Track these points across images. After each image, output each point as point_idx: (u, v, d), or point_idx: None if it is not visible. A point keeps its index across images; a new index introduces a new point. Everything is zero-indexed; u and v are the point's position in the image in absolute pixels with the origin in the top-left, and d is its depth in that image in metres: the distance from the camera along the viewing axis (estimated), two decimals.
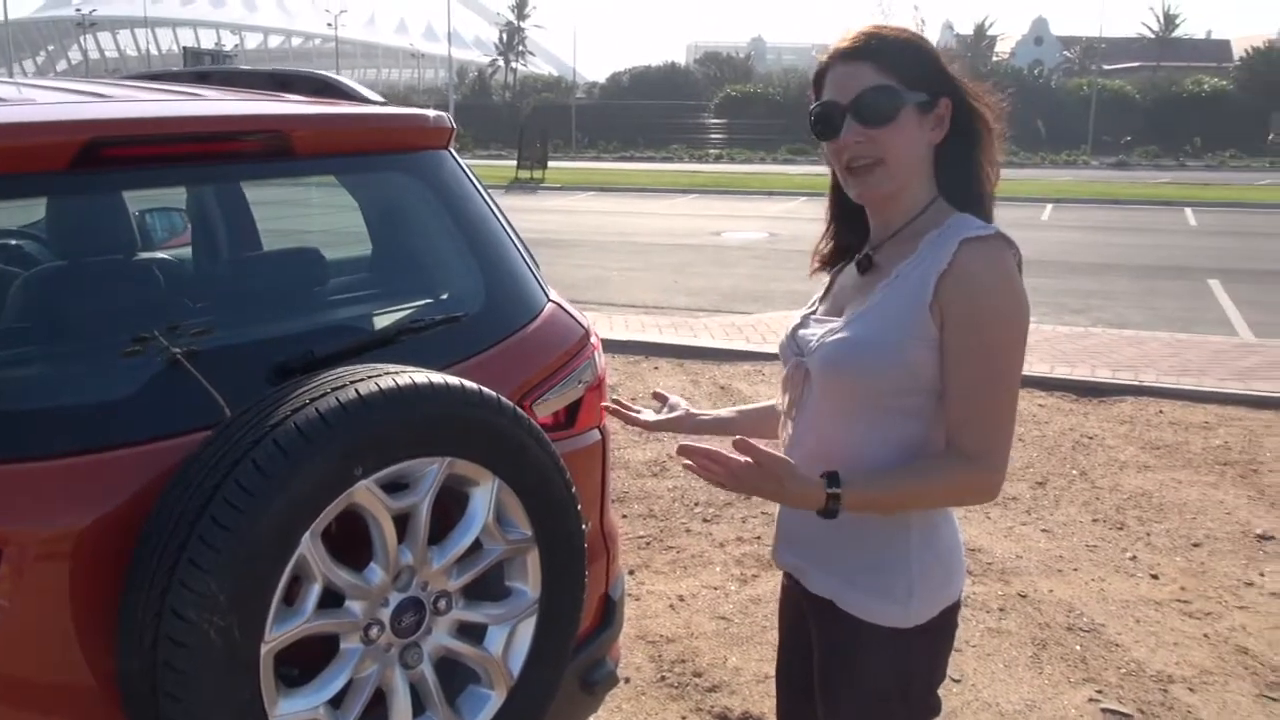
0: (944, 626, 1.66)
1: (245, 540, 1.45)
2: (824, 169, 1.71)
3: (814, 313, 1.73)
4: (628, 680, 3.22)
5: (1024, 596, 3.80)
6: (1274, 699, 3.14)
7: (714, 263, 13.15)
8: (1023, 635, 3.52)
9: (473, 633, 1.81)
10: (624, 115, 58.72)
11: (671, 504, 4.68)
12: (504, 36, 79.22)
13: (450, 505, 1.74)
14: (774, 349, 1.78)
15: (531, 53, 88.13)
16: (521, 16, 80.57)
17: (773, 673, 1.99)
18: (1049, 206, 21.71)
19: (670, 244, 15.02)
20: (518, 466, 1.77)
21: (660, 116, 56.95)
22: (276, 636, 1.52)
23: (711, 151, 49.38)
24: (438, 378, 1.67)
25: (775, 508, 1.80)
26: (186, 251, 3.02)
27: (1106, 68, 64.88)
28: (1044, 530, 4.44)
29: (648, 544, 4.28)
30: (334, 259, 2.52)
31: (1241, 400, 6.30)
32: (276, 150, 1.92)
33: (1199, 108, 52.40)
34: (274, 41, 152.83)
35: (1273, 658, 3.37)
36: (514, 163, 31.56)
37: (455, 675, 1.82)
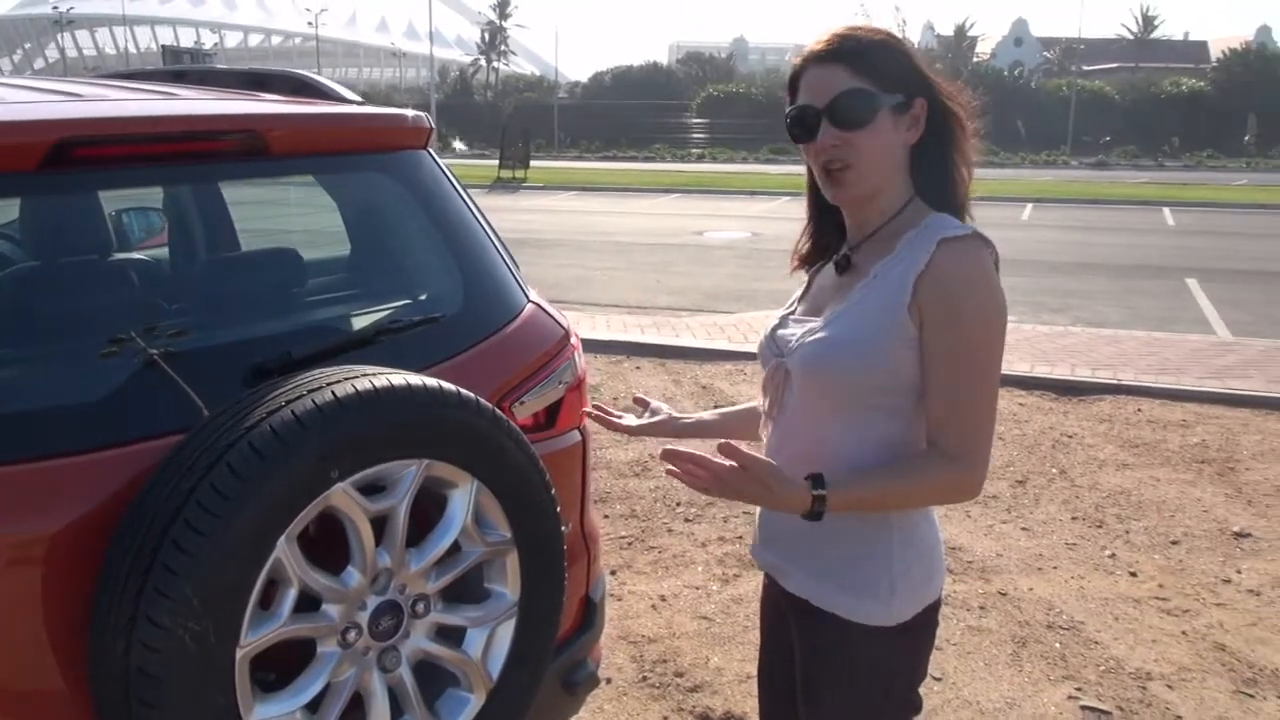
0: (925, 625, 1.66)
1: (220, 544, 1.43)
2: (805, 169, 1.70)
3: (793, 313, 1.72)
4: (609, 681, 3.22)
5: (1004, 594, 3.81)
6: (1251, 695, 3.16)
7: (696, 262, 13.16)
8: (1003, 633, 3.53)
9: (452, 635, 1.80)
10: (606, 115, 58.70)
11: (653, 504, 4.67)
12: (486, 36, 79.09)
13: (428, 507, 1.73)
14: (756, 348, 1.78)
15: (513, 52, 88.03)
16: (503, 16, 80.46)
17: (754, 672, 1.99)
18: (1029, 206, 21.82)
19: (652, 243, 15.01)
20: (497, 468, 1.76)
21: (642, 116, 56.94)
22: (252, 641, 1.51)
23: (694, 151, 49.42)
24: (415, 379, 1.66)
25: (757, 507, 1.79)
26: (163, 252, 3.00)
27: (1086, 68, 65.29)
28: (1024, 528, 4.46)
29: (629, 544, 4.27)
30: (312, 259, 2.50)
31: (1219, 399, 6.34)
32: (252, 150, 1.90)
33: (1177, 108, 52.86)
34: (254, 40, 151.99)
35: (1249, 654, 3.40)
36: (496, 162, 31.49)
37: (434, 678, 1.80)
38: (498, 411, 1.78)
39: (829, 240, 1.72)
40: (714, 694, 3.17)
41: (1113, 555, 4.19)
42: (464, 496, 1.73)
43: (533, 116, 51.77)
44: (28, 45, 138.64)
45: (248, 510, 1.45)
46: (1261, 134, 47.88)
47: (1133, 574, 4.02)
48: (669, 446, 1.49)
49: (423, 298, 2.21)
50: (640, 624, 3.60)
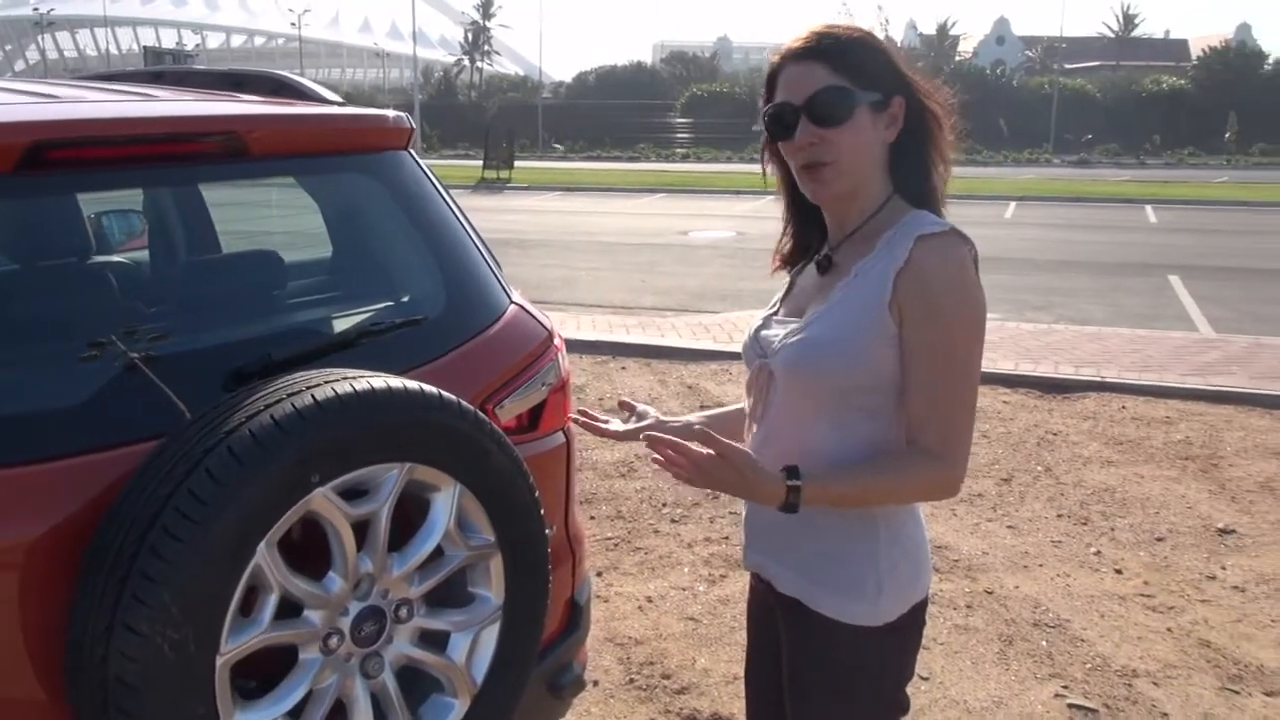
0: (912, 624, 1.66)
1: (198, 550, 1.41)
2: None
3: (776, 313, 1.72)
4: (596, 683, 3.20)
5: (990, 593, 3.82)
6: (1236, 692, 3.17)
7: (681, 262, 13.15)
8: (989, 632, 3.53)
9: (435, 640, 1.78)
10: (590, 115, 58.69)
11: (639, 505, 4.66)
12: (469, 36, 78.93)
13: (411, 511, 1.71)
14: (741, 349, 1.77)
15: (497, 52, 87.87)
16: (487, 16, 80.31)
17: (742, 673, 1.98)
18: (1012, 204, 21.92)
19: (637, 243, 15.01)
20: (480, 471, 1.75)
21: (627, 116, 56.95)
22: (232, 648, 1.49)
23: (678, 151, 49.47)
24: (396, 382, 1.65)
25: (743, 507, 1.79)
26: (143, 254, 2.97)
27: (1068, 67, 65.64)
28: (1009, 527, 4.47)
29: (616, 545, 4.26)
30: (293, 261, 2.48)
31: (1202, 395, 6.38)
32: (231, 151, 1.88)
33: (1158, 106, 53.24)
34: (236, 41, 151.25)
35: (1234, 651, 3.41)
36: (480, 163, 31.42)
37: (418, 684, 1.79)
38: (480, 414, 1.76)
39: (810, 240, 1.72)
40: (701, 695, 3.16)
41: (1098, 553, 4.20)
42: (447, 500, 1.72)
43: (517, 117, 51.73)
44: (8, 47, 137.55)
45: (227, 516, 1.43)
46: (1241, 131, 48.24)
47: (1118, 571, 4.03)
48: (652, 432, 1.49)
49: (404, 300, 2.20)
50: (627, 625, 3.58)
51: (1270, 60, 57.40)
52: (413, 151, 2.24)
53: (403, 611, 1.70)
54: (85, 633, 1.44)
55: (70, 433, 1.58)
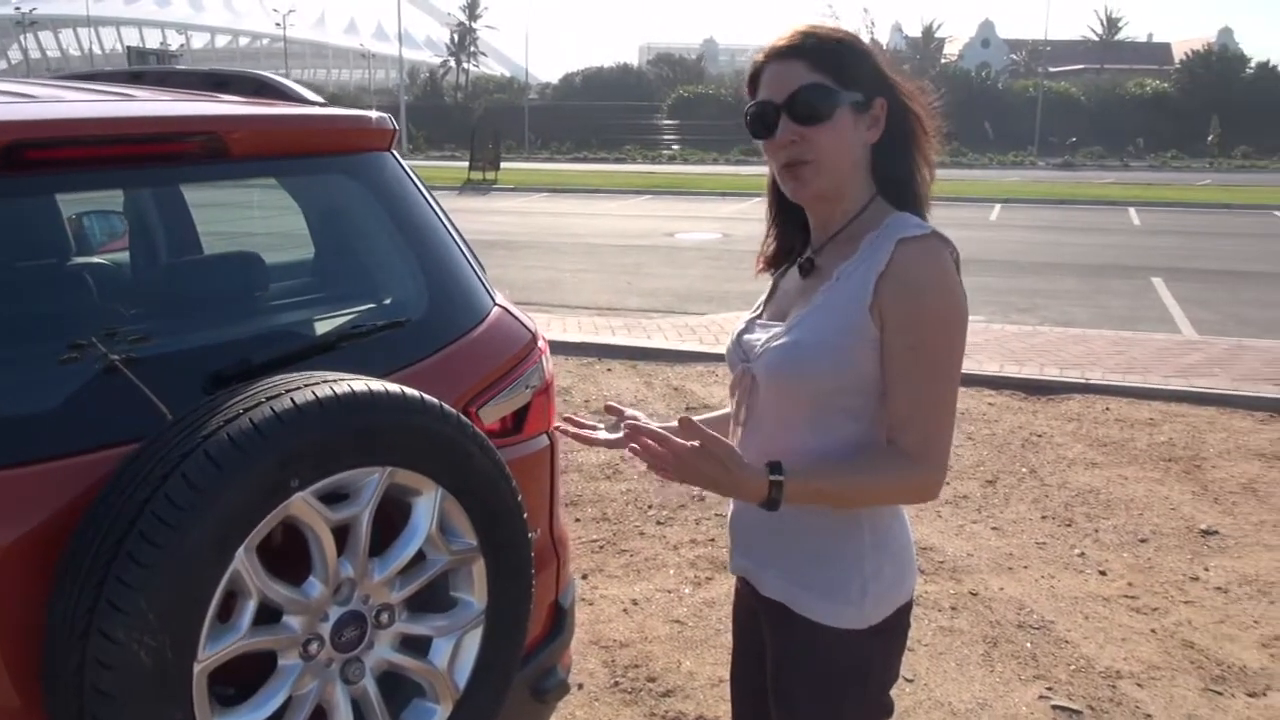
0: (897, 626, 1.66)
1: (176, 556, 1.40)
2: None
3: (759, 317, 1.71)
4: (581, 687, 3.19)
5: (975, 594, 3.82)
6: (1219, 693, 3.18)
7: (667, 264, 13.15)
8: (974, 633, 3.54)
9: (417, 645, 1.77)
10: (577, 116, 58.65)
11: (625, 507, 4.65)
12: (455, 37, 78.76)
13: (393, 515, 1.70)
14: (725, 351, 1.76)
15: (483, 53, 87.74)
16: (473, 17, 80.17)
17: (727, 676, 1.97)
18: (997, 206, 22.00)
19: (623, 245, 15.00)
20: (462, 475, 1.73)
21: (613, 117, 56.94)
22: (210, 655, 1.47)
23: (664, 152, 49.47)
24: (377, 385, 1.63)
25: (728, 509, 1.78)
26: (124, 255, 2.94)
27: (1052, 69, 65.98)
28: (994, 528, 4.48)
29: (601, 548, 4.25)
30: (275, 263, 2.46)
31: (1185, 397, 6.41)
32: (211, 152, 1.86)
33: (1141, 109, 53.57)
34: (221, 41, 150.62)
35: (1218, 652, 3.42)
36: (466, 164, 31.37)
37: (399, 689, 1.77)
38: (463, 417, 1.75)
39: (793, 242, 1.71)
40: (686, 698, 3.15)
41: (1082, 554, 4.21)
42: (429, 504, 1.70)
43: (503, 118, 51.66)
44: None
45: (205, 521, 1.42)
46: (1224, 134, 48.57)
47: (1102, 573, 4.04)
48: (633, 421, 1.48)
49: (387, 302, 2.18)
50: (612, 628, 3.57)
51: (1252, 64, 57.84)
52: (395, 153, 2.22)
53: (384, 616, 1.69)
54: (61, 639, 1.42)
55: (49, 436, 1.56)
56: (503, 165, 31.57)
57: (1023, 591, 3.86)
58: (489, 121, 41.89)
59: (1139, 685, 3.22)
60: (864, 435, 1.55)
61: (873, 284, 1.50)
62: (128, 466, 1.50)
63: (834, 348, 1.52)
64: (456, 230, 2.27)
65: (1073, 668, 3.33)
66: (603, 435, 1.85)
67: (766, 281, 1.79)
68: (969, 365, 6.86)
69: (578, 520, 4.49)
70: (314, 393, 1.55)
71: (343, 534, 1.61)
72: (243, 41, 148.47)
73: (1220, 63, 57.56)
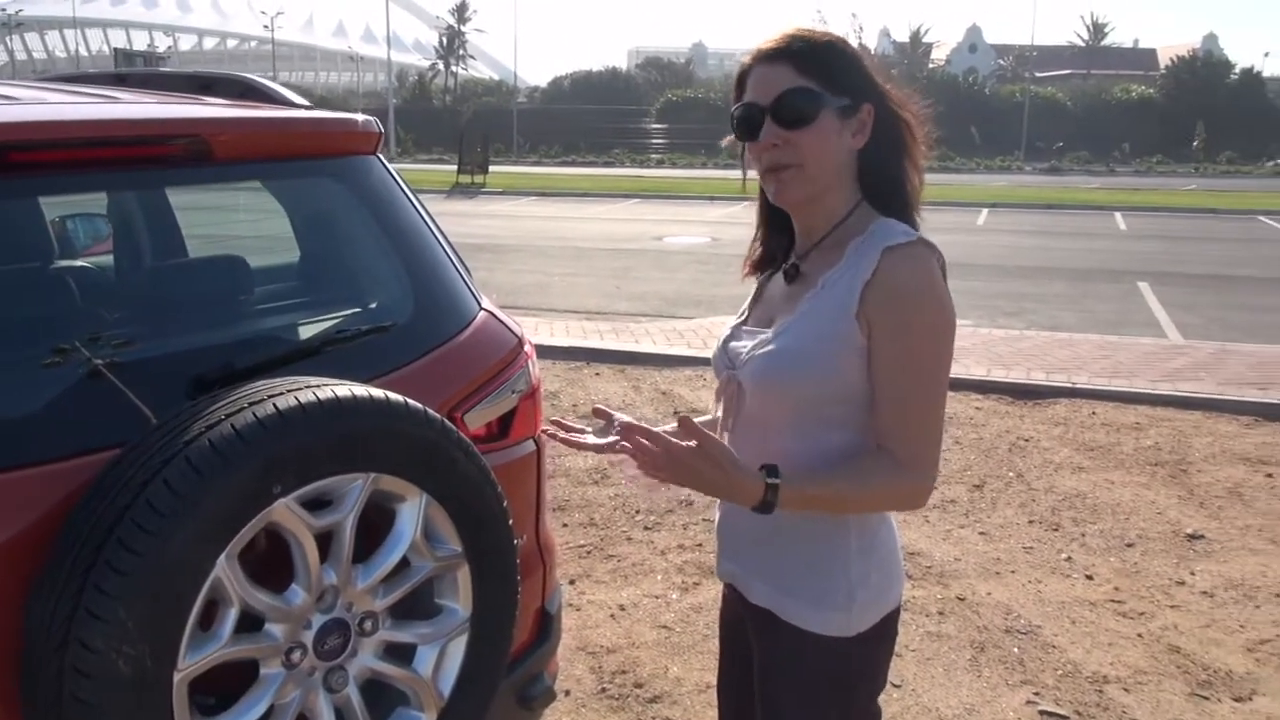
0: (884, 634, 1.65)
1: (156, 563, 1.38)
2: None
3: (744, 323, 1.70)
4: (568, 693, 3.18)
5: (962, 599, 3.82)
6: (1205, 698, 3.19)
7: (656, 267, 13.15)
8: (962, 638, 3.54)
9: (401, 653, 1.76)
10: (566, 120, 58.60)
11: (612, 512, 4.64)
12: (444, 40, 78.68)
13: (377, 522, 1.68)
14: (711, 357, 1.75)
15: (472, 56, 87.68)
16: (462, 20, 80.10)
17: (715, 682, 1.96)
18: (985, 211, 22.08)
19: (612, 249, 14.99)
20: (447, 481, 1.72)
21: (602, 121, 56.92)
22: (191, 664, 1.45)
23: (653, 156, 49.49)
24: (361, 390, 1.62)
25: (715, 515, 1.77)
26: (108, 259, 2.92)
27: (1039, 75, 66.30)
28: (982, 533, 4.48)
29: (588, 553, 4.23)
30: (260, 266, 2.44)
31: (1170, 401, 6.43)
32: (195, 155, 1.85)
33: (1127, 114, 53.85)
34: (209, 43, 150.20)
35: (1204, 656, 3.43)
36: (455, 167, 31.33)
37: (383, 698, 1.76)
38: (447, 423, 1.74)
39: (779, 247, 1.70)
40: (674, 704, 3.14)
41: (1069, 558, 4.22)
42: (413, 510, 1.69)
43: (492, 121, 51.61)
44: None
45: (185, 528, 1.40)
46: (1209, 140, 48.88)
47: (1089, 577, 4.05)
48: (625, 419, 1.46)
49: (372, 306, 2.17)
50: (599, 634, 3.56)
51: (1237, 70, 58.25)
52: (381, 156, 2.21)
53: (367, 624, 1.68)
54: (39, 648, 1.41)
55: (31, 441, 1.55)
56: (491, 168, 31.55)
57: (1010, 596, 3.86)
58: (477, 125, 41.91)
59: (1125, 690, 3.23)
60: (851, 442, 1.54)
61: (859, 292, 1.49)
62: (108, 472, 1.48)
63: (820, 355, 1.51)
64: (442, 234, 2.26)
65: (1060, 673, 3.33)
66: (590, 440, 1.84)
67: (753, 286, 1.79)
68: (956, 369, 6.87)
69: (565, 525, 4.48)
70: (297, 398, 1.53)
71: (326, 541, 1.60)
72: (230, 44, 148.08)
73: (1205, 68, 57.96)
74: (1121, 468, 5.31)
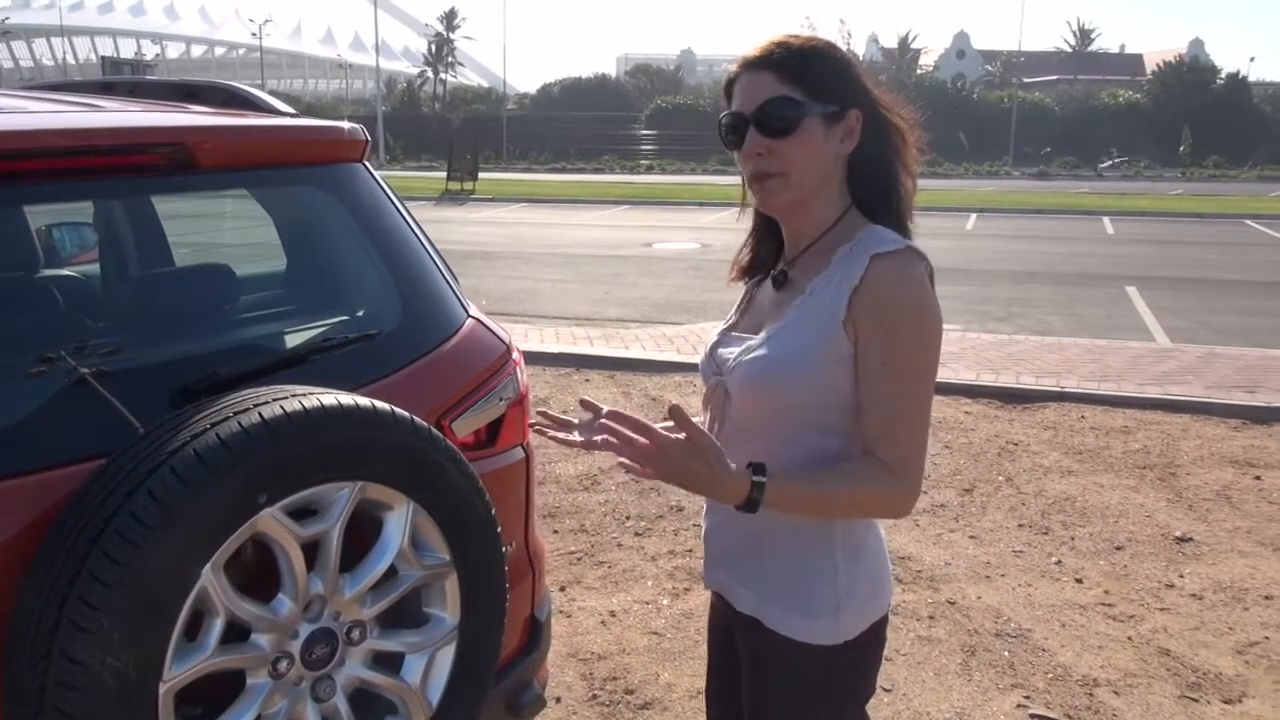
0: (871, 642, 1.64)
1: (140, 574, 1.37)
2: None
3: (732, 328, 1.70)
4: (558, 700, 3.17)
5: (953, 603, 3.82)
6: (1195, 700, 3.19)
7: (645, 273, 13.15)
8: (952, 642, 3.54)
9: (389, 662, 1.75)
10: (555, 126, 58.73)
11: (603, 518, 4.63)
12: (433, 47, 78.68)
13: (364, 530, 1.68)
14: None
15: (461, 64, 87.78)
16: (451, 28, 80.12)
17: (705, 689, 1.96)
18: (973, 216, 22.17)
19: (602, 255, 14.99)
20: (434, 489, 1.71)
21: (591, 128, 57.05)
22: (176, 675, 1.44)
23: (643, 162, 49.60)
24: (347, 399, 1.61)
25: (704, 523, 1.77)
26: (93, 268, 2.91)
27: (1026, 80, 66.60)
28: (971, 537, 4.49)
29: (579, 559, 4.22)
30: (246, 275, 2.43)
31: (1159, 404, 6.45)
32: (179, 163, 1.84)
33: (1114, 119, 54.17)
34: (197, 51, 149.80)
35: (1193, 659, 3.43)
36: (444, 174, 31.32)
37: (371, 707, 1.75)
38: (434, 431, 1.73)
39: (768, 253, 1.70)
40: (664, 710, 3.13)
41: (1059, 562, 4.23)
42: (400, 519, 1.68)
43: (481, 128, 51.63)
44: None
45: (170, 538, 1.39)
46: (1195, 144, 49.17)
47: (1078, 580, 4.05)
48: (613, 409, 1.45)
49: (359, 314, 2.16)
50: (590, 640, 3.55)
51: (1222, 75, 58.63)
52: (368, 164, 2.21)
53: (355, 633, 1.67)
54: (22, 661, 1.39)
55: (15, 451, 1.54)
56: (481, 175, 31.54)
57: (1000, 600, 3.87)
58: (467, 132, 41.85)
59: (1116, 693, 3.23)
60: (838, 449, 1.54)
61: (846, 299, 1.48)
62: (93, 482, 1.47)
63: (806, 362, 1.51)
64: (429, 242, 2.25)
65: (1050, 676, 3.33)
66: (579, 437, 1.81)
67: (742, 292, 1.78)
68: (946, 374, 6.89)
69: (555, 532, 4.47)
70: (283, 407, 1.52)
71: (313, 550, 1.59)
72: (219, 52, 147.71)
73: (1192, 73, 58.36)
74: (1110, 471, 5.32)
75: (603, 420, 1.48)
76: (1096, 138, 51.33)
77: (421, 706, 1.77)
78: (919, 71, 71.75)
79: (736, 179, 1.64)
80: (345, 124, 2.17)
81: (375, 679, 1.72)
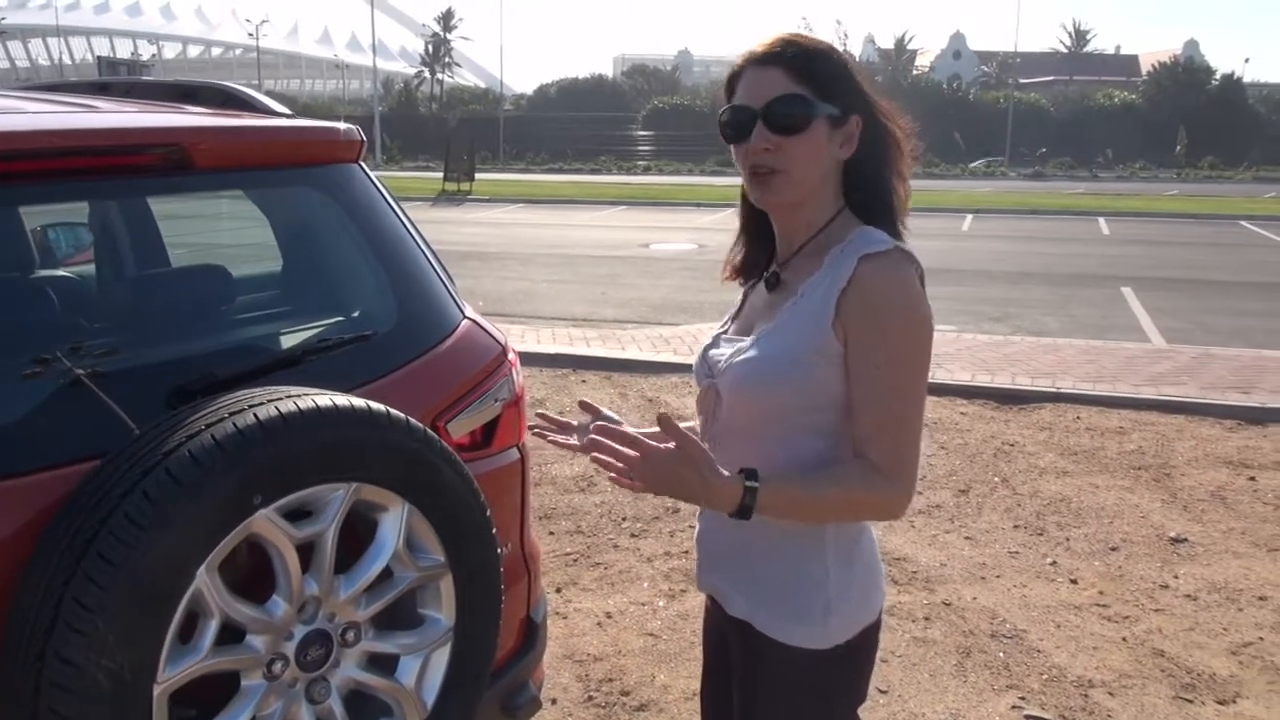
0: (863, 646, 1.64)
1: (134, 576, 1.37)
2: None
3: (726, 331, 1.70)
4: (554, 701, 3.17)
5: (948, 604, 3.83)
6: (1189, 701, 3.20)
7: (642, 274, 13.16)
8: (947, 644, 3.54)
9: (384, 664, 1.75)
10: (552, 127, 58.77)
11: (599, 519, 4.63)
12: (430, 48, 78.67)
13: (359, 531, 1.68)
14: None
15: (458, 64, 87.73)
16: (448, 28, 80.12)
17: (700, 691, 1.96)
18: (969, 217, 22.19)
19: (599, 256, 14.99)
20: (429, 490, 1.71)
21: (588, 128, 57.07)
22: (171, 677, 1.44)
23: (640, 163, 49.62)
24: (342, 400, 1.61)
25: (698, 526, 1.77)
26: (88, 268, 2.91)
27: (1022, 81, 66.69)
28: (967, 538, 4.49)
29: (575, 560, 4.23)
30: (242, 275, 2.43)
31: (1154, 405, 6.46)
32: (174, 164, 1.84)
33: (1110, 120, 54.28)
34: (193, 51, 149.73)
35: (1188, 660, 3.44)
36: (441, 175, 31.31)
37: (366, 708, 1.75)
38: (430, 432, 1.74)
39: (763, 255, 1.70)
40: (660, 712, 3.14)
41: (1054, 563, 4.23)
42: (395, 520, 1.68)
43: (478, 129, 51.63)
44: None
45: (165, 540, 1.39)
46: (1190, 145, 49.26)
47: (1073, 581, 4.06)
48: (601, 423, 1.44)
49: (354, 315, 2.16)
50: (586, 642, 3.55)
51: (1217, 76, 58.77)
52: (364, 164, 2.21)
53: (350, 635, 1.67)
54: (16, 662, 1.39)
55: (11, 451, 1.53)
56: (477, 176, 31.54)
57: (995, 601, 3.87)
58: (464, 132, 41.86)
59: (1110, 694, 3.24)
60: (830, 451, 1.54)
61: (834, 300, 1.48)
62: (88, 483, 1.47)
63: (797, 364, 1.50)
64: (425, 242, 2.25)
65: (1045, 677, 3.34)
66: (577, 440, 1.81)
67: (739, 292, 1.78)
68: (941, 375, 6.90)
69: (551, 533, 4.47)
70: (278, 408, 1.53)
71: (307, 551, 1.59)
72: (215, 52, 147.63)
73: (1186, 74, 58.51)
74: (1105, 472, 5.33)
75: (590, 436, 1.46)
76: (1092, 138, 51.40)
77: (416, 708, 1.77)
78: (915, 72, 71.85)
79: (734, 180, 1.64)
80: (341, 124, 2.17)
81: (370, 680, 1.72)
